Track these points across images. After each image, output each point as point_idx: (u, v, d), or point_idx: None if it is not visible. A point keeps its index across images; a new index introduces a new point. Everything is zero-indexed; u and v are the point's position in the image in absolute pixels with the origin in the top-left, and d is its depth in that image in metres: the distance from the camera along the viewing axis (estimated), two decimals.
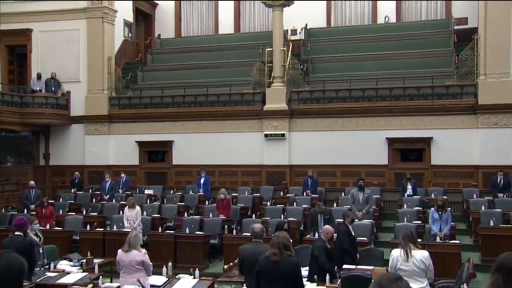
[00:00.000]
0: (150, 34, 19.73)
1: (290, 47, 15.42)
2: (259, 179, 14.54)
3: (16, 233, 6.44)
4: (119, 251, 6.25)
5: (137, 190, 14.20)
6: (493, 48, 13.03)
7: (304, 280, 5.48)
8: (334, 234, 7.55)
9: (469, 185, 12.72)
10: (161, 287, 6.15)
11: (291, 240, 5.01)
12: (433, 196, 11.97)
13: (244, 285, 5.53)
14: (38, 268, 7.06)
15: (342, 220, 8.44)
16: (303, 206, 11.69)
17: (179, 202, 12.89)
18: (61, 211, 12.31)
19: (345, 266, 7.23)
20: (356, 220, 9.45)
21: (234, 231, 10.43)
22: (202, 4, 19.73)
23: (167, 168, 15.52)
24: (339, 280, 6.56)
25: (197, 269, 6.92)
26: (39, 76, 15.98)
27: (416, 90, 13.62)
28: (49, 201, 12.55)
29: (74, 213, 12.10)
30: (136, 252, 6.14)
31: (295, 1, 15.11)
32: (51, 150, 16.39)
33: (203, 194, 13.35)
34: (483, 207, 10.68)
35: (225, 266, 7.54)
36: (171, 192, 14.16)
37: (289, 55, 15.06)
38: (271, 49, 14.86)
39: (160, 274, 6.62)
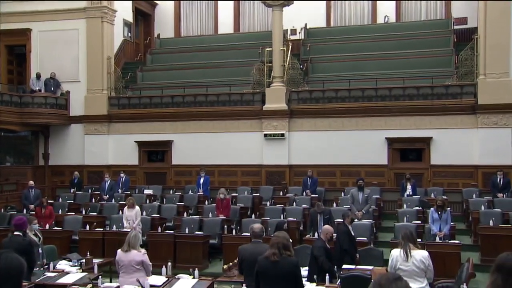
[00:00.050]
0: (150, 34, 19.70)
1: (290, 47, 15.43)
2: (259, 179, 14.53)
3: (15, 233, 6.44)
4: (119, 251, 6.25)
5: (137, 190, 14.21)
6: (492, 48, 13.02)
7: (304, 280, 5.48)
8: (334, 234, 7.55)
9: (469, 185, 12.72)
10: (160, 287, 6.14)
11: (291, 240, 5.01)
12: (432, 196, 11.97)
13: (244, 285, 5.52)
14: (38, 268, 7.04)
15: (342, 220, 8.45)
16: (303, 206, 11.69)
17: (178, 202, 12.88)
18: (60, 211, 12.33)
19: (344, 266, 7.24)
20: (356, 220, 9.46)
21: (234, 231, 10.44)
22: (201, 4, 19.71)
23: (167, 168, 15.51)
24: (339, 280, 6.56)
25: (196, 269, 6.91)
26: (38, 76, 15.95)
27: (415, 90, 13.62)
28: (49, 201, 12.56)
29: (73, 213, 12.09)
30: (135, 252, 6.14)
31: (294, 1, 15.09)
32: (51, 150, 16.37)
33: (202, 194, 13.32)
34: (482, 207, 10.68)
35: (225, 266, 7.53)
36: (171, 192, 14.15)
37: (289, 55, 15.05)
38: (270, 49, 14.84)
39: (160, 274, 6.62)
